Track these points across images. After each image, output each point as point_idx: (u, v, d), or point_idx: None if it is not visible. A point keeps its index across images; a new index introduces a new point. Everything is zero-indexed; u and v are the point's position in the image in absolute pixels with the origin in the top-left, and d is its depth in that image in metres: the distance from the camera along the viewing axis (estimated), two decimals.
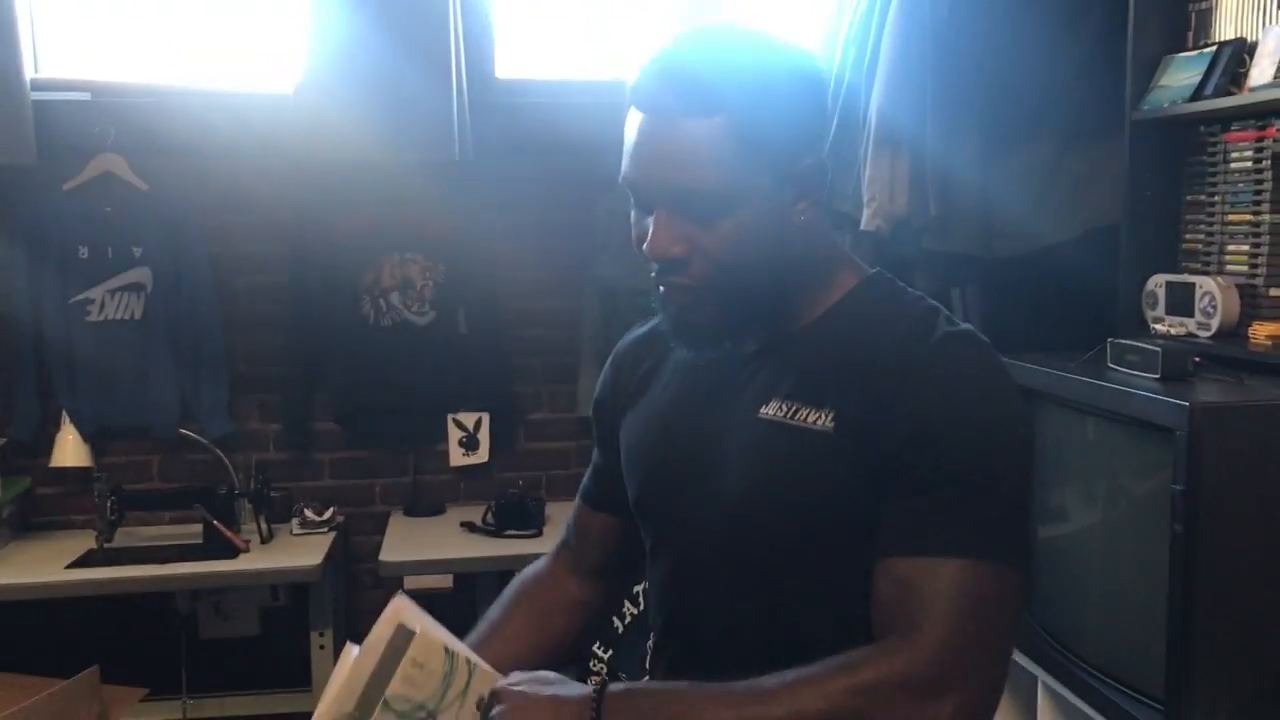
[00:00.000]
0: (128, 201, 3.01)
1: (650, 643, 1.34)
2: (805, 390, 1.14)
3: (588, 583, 1.43)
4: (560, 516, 3.04)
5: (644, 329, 1.37)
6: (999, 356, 1.14)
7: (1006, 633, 1.08)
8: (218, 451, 3.09)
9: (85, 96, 3.05)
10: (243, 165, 3.09)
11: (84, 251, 3.01)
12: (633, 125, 1.12)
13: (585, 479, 1.47)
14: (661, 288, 1.16)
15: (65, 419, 3.03)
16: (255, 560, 2.82)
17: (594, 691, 1.06)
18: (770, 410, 1.15)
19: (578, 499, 1.48)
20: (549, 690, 1.08)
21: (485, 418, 3.23)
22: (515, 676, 1.11)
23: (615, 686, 1.08)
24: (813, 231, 1.17)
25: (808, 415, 1.12)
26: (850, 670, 1.02)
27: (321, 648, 2.91)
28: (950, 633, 1.02)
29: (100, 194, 3.00)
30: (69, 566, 2.76)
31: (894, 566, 1.06)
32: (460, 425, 3.23)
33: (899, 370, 1.09)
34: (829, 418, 1.11)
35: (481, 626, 1.37)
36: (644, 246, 1.13)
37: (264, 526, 2.93)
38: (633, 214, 1.16)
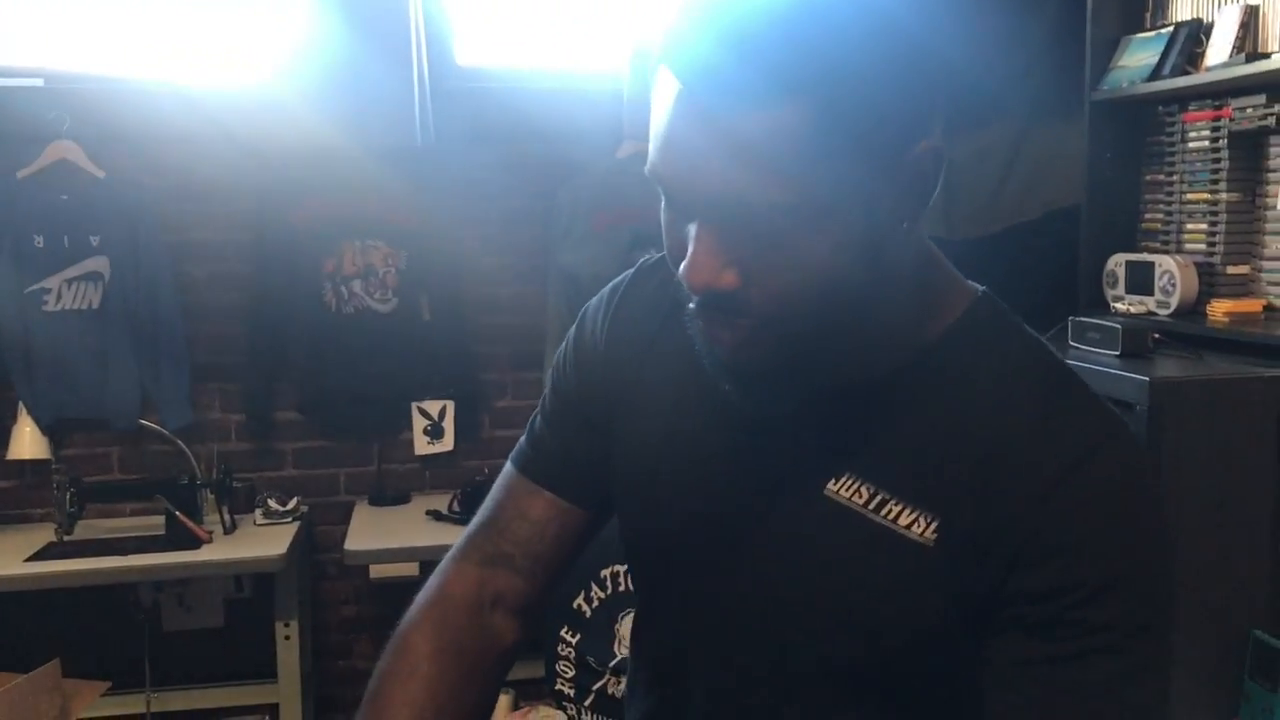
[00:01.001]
0: (85, 189, 2.96)
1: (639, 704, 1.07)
2: (894, 473, 0.85)
3: (515, 621, 1.05)
4: None
5: (655, 286, 1.01)
6: (1144, 453, 0.89)
7: None
8: (179, 442, 3.05)
9: (38, 83, 3.00)
10: (202, 152, 3.04)
11: (40, 240, 2.96)
12: (668, 99, 0.77)
13: (523, 447, 1.08)
14: (700, 321, 0.83)
15: (22, 411, 2.98)
16: (218, 551, 2.79)
17: None
18: (843, 490, 0.86)
19: (512, 472, 1.07)
20: None
21: (450, 406, 3.21)
22: None
23: None
24: (913, 244, 0.86)
25: (900, 514, 0.84)
26: None
27: (286, 638, 2.88)
28: None
29: (56, 182, 2.95)
30: (28, 560, 2.71)
31: None
32: (425, 413, 3.21)
33: (1034, 482, 0.81)
34: (928, 525, 0.83)
35: (404, 700, 0.97)
36: (680, 270, 0.80)
37: (227, 517, 2.90)
38: (663, 214, 0.83)
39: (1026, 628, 0.81)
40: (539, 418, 1.09)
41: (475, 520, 1.09)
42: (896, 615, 0.84)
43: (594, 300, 1.07)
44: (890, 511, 0.84)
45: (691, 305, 0.83)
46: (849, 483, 0.86)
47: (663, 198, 0.82)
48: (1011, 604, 0.81)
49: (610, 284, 1.07)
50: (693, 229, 0.79)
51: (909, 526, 0.84)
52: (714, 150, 0.75)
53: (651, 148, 0.79)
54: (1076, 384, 0.87)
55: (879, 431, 0.86)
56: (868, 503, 0.85)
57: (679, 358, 0.94)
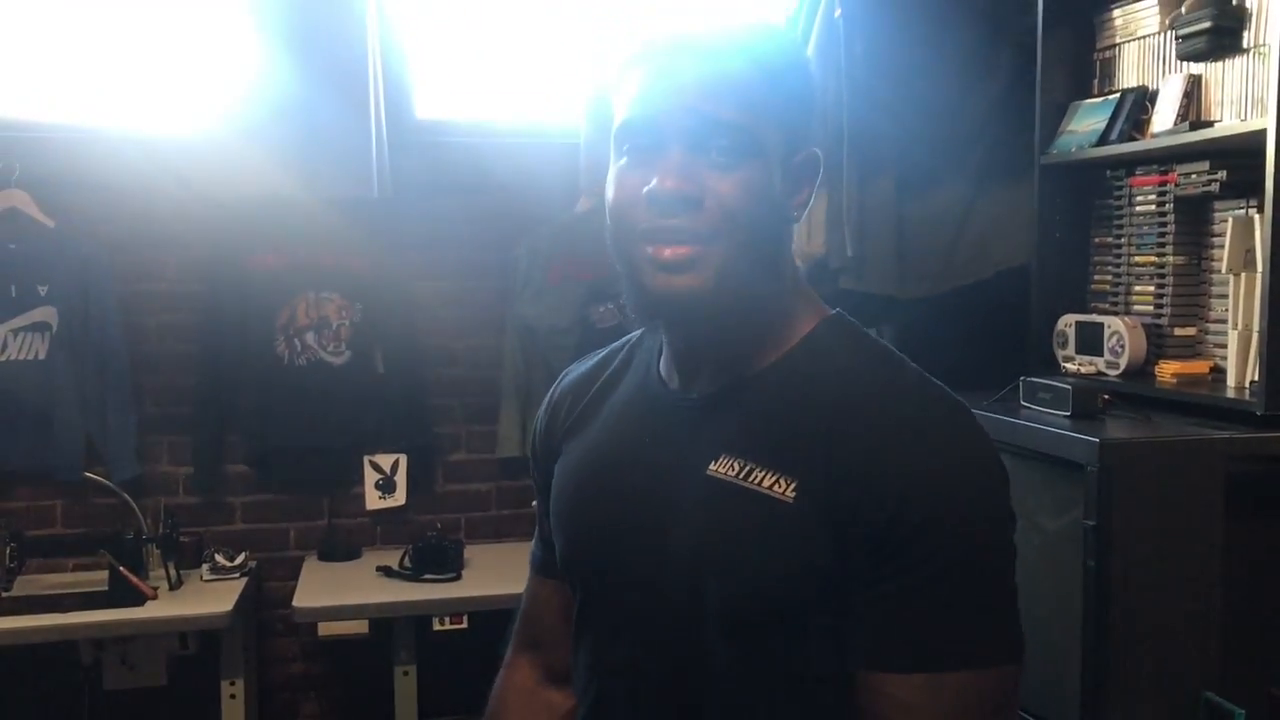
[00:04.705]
0: (34, 239, 2.93)
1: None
2: (760, 449, 1.02)
3: (565, 688, 1.25)
4: (480, 560, 3.04)
5: (585, 366, 1.25)
6: (973, 416, 1.03)
7: None
8: (125, 495, 3.00)
9: None
10: (154, 202, 3.02)
11: None
12: (654, 65, 1.02)
13: (533, 547, 1.31)
14: (649, 248, 1.00)
15: None
16: (163, 608, 2.73)
17: None
18: (721, 468, 1.03)
19: (530, 572, 1.32)
20: None
21: (403, 459, 3.18)
22: None
23: None
24: (790, 244, 1.09)
25: (764, 479, 1.00)
26: None
27: (233, 697, 2.82)
28: None
29: (4, 231, 2.91)
30: None
31: (887, 684, 0.96)
32: (377, 467, 3.17)
33: (874, 442, 0.97)
34: (788, 485, 0.99)
35: None
36: (647, 189, 0.99)
37: (173, 572, 2.84)
38: (614, 170, 1.04)
39: (874, 570, 0.96)
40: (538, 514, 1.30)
41: (518, 613, 1.33)
42: (770, 564, 0.99)
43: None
44: (757, 478, 1.01)
45: (644, 226, 1.00)
46: (725, 461, 1.03)
47: (624, 155, 1.03)
48: (865, 552, 0.96)
49: None
50: (668, 154, 0.99)
51: (772, 488, 1.00)
52: (696, 88, 0.99)
53: (626, 112, 1.02)
54: (910, 369, 1.05)
55: (748, 420, 1.04)
56: (739, 474, 1.02)
57: (607, 403, 1.17)
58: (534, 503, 1.31)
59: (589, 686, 1.16)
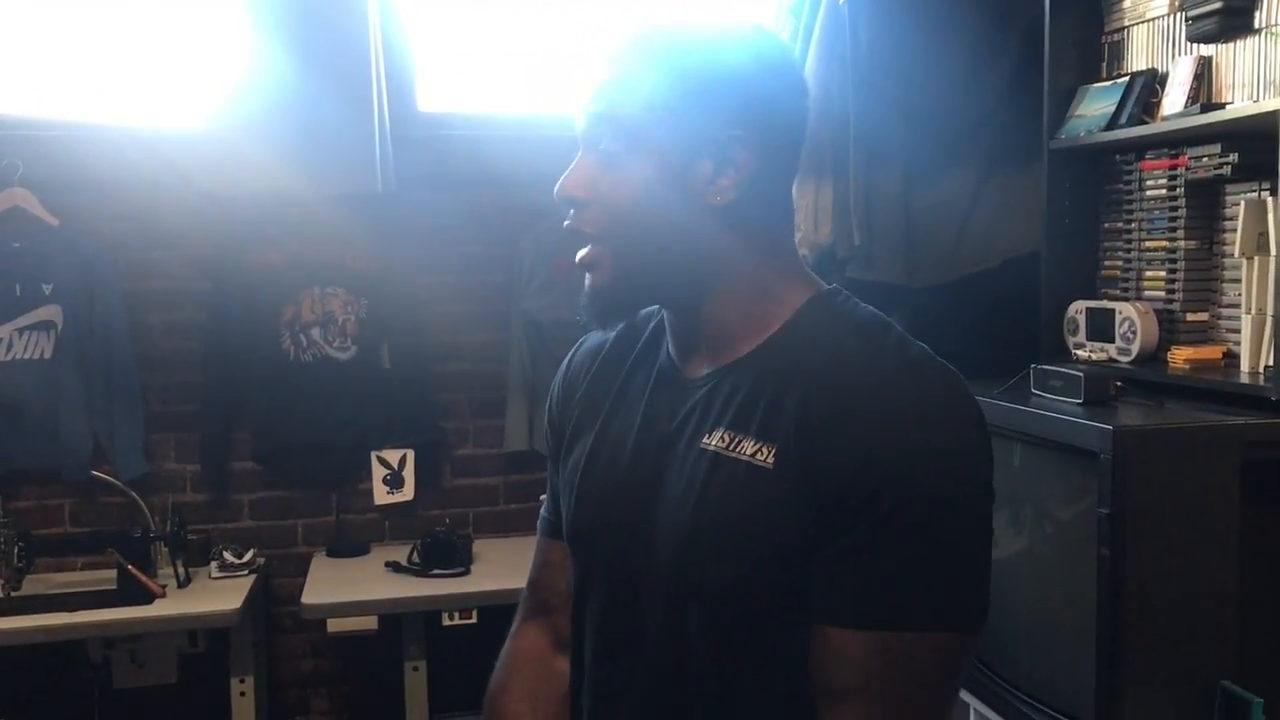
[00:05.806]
0: (38, 237, 2.92)
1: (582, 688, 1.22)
2: (748, 422, 1.05)
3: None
4: (488, 555, 3.03)
5: (600, 338, 1.27)
6: (960, 381, 1.03)
7: (949, 701, 1.04)
8: (132, 494, 2.99)
9: None
10: (159, 199, 3.01)
11: None
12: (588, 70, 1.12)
13: (544, 510, 1.32)
14: (577, 251, 1.11)
15: None
16: (172, 605, 2.72)
17: None
18: (712, 441, 1.06)
19: (539, 537, 1.32)
20: None
21: (410, 454, 3.17)
22: None
23: None
24: (745, 230, 1.08)
25: (746, 447, 1.03)
26: None
27: (242, 695, 2.82)
28: (890, 712, 0.98)
29: (8, 230, 2.90)
30: None
31: (832, 637, 0.99)
32: (384, 463, 3.16)
33: (843, 406, 0.99)
34: (769, 453, 1.02)
35: None
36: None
37: (181, 570, 2.84)
38: None
39: (835, 527, 0.98)
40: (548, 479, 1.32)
41: (527, 580, 1.33)
42: (753, 530, 1.02)
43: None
44: (742, 447, 1.04)
45: (566, 223, 1.10)
46: (717, 434, 1.07)
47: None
48: (832, 513, 0.98)
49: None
50: (578, 156, 1.08)
51: (754, 455, 1.03)
52: (592, 88, 1.07)
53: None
54: (891, 338, 1.05)
55: (739, 397, 1.07)
56: (728, 445, 1.05)
57: (619, 379, 1.20)
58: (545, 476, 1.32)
59: (586, 659, 1.18)
